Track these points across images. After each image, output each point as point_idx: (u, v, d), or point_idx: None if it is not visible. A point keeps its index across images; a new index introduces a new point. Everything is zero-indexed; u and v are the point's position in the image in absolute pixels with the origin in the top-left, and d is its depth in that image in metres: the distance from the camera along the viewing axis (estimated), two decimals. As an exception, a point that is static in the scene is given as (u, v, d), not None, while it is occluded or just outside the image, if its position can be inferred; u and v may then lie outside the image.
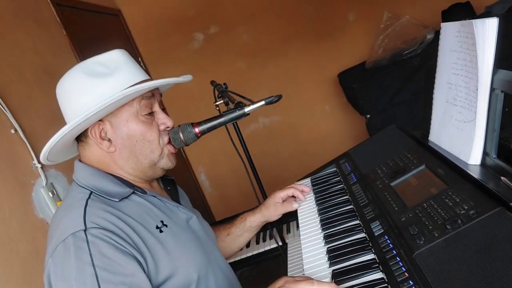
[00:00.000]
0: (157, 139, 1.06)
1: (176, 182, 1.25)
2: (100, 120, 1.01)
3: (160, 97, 1.12)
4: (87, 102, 0.97)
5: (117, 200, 0.99)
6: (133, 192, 1.03)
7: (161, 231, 1.00)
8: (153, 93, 1.07)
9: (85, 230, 0.88)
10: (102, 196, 0.99)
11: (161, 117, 1.08)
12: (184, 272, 0.98)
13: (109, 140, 1.02)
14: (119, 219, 0.94)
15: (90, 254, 0.85)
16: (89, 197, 0.97)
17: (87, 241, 0.86)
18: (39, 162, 1.47)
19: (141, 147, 1.04)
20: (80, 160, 1.08)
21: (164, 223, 1.02)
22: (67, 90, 1.02)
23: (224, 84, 1.47)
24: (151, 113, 1.06)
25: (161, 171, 1.12)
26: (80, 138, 1.05)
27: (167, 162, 1.10)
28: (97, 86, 0.98)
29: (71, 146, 1.08)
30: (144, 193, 1.05)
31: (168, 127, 1.09)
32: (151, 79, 1.06)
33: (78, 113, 0.95)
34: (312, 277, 1.02)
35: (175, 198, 1.18)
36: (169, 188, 1.21)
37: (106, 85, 0.98)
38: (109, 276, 0.85)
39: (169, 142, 1.10)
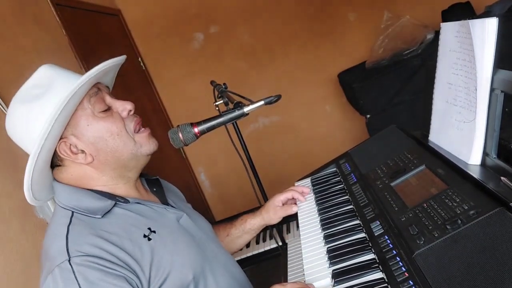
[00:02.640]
0: (124, 129, 1.03)
1: (160, 180, 1.22)
2: (64, 138, 0.98)
3: (109, 90, 1.08)
4: (37, 126, 0.94)
5: (99, 216, 0.97)
6: (115, 204, 1.01)
7: (149, 239, 0.98)
8: (99, 88, 1.03)
9: (69, 260, 0.87)
10: (85, 215, 0.97)
11: (117, 104, 1.04)
12: (178, 275, 0.97)
13: (82, 151, 1.00)
14: (104, 239, 0.92)
15: (79, 284, 0.85)
16: (70, 222, 0.95)
17: (73, 271, 0.86)
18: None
19: (113, 143, 1.01)
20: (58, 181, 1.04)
21: (152, 229, 1.00)
22: (15, 126, 0.99)
23: (224, 84, 1.47)
24: (108, 108, 1.02)
25: (145, 158, 1.08)
26: (55, 163, 1.02)
27: (148, 147, 1.06)
28: (39, 108, 0.95)
29: (51, 178, 1.04)
30: (126, 203, 1.02)
31: (130, 110, 1.05)
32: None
33: (35, 141, 0.93)
34: (312, 277, 1.02)
35: (163, 199, 1.15)
36: (155, 189, 1.18)
37: (47, 102, 0.95)
38: None
39: (138, 127, 1.06)
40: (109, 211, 0.99)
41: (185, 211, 1.14)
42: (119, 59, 1.07)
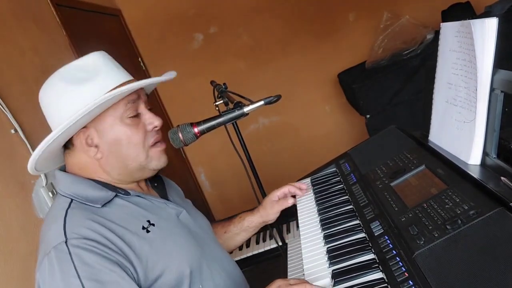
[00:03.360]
0: (142, 142, 1.04)
1: (162, 176, 1.23)
2: (85, 127, 0.99)
3: (146, 98, 1.09)
4: (69, 110, 0.96)
5: (99, 206, 0.98)
6: (116, 195, 1.02)
7: (148, 231, 0.99)
8: (139, 95, 1.05)
9: (66, 242, 0.88)
10: (84, 203, 0.98)
11: (147, 117, 1.05)
12: (175, 269, 0.98)
13: (96, 146, 1.01)
14: (101, 225, 0.93)
15: (74, 266, 0.85)
16: (69, 206, 0.96)
17: (69, 253, 0.86)
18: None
19: (127, 151, 1.02)
20: (60, 169, 1.06)
21: (151, 222, 1.01)
22: (48, 99, 1.01)
23: (224, 84, 1.47)
24: (137, 115, 1.04)
25: (152, 172, 1.09)
26: (67, 145, 1.03)
27: (157, 163, 1.08)
28: (77, 93, 0.97)
29: (59, 154, 1.06)
30: (127, 195, 1.03)
31: (156, 127, 1.06)
32: (134, 80, 1.04)
33: (61, 122, 0.94)
34: (312, 277, 1.02)
35: (163, 194, 1.16)
36: (156, 184, 1.19)
37: (87, 91, 0.97)
38: (96, 285, 0.85)
39: (156, 142, 1.07)
40: (109, 201, 1.00)
41: (185, 208, 1.15)
42: (170, 76, 1.10)
